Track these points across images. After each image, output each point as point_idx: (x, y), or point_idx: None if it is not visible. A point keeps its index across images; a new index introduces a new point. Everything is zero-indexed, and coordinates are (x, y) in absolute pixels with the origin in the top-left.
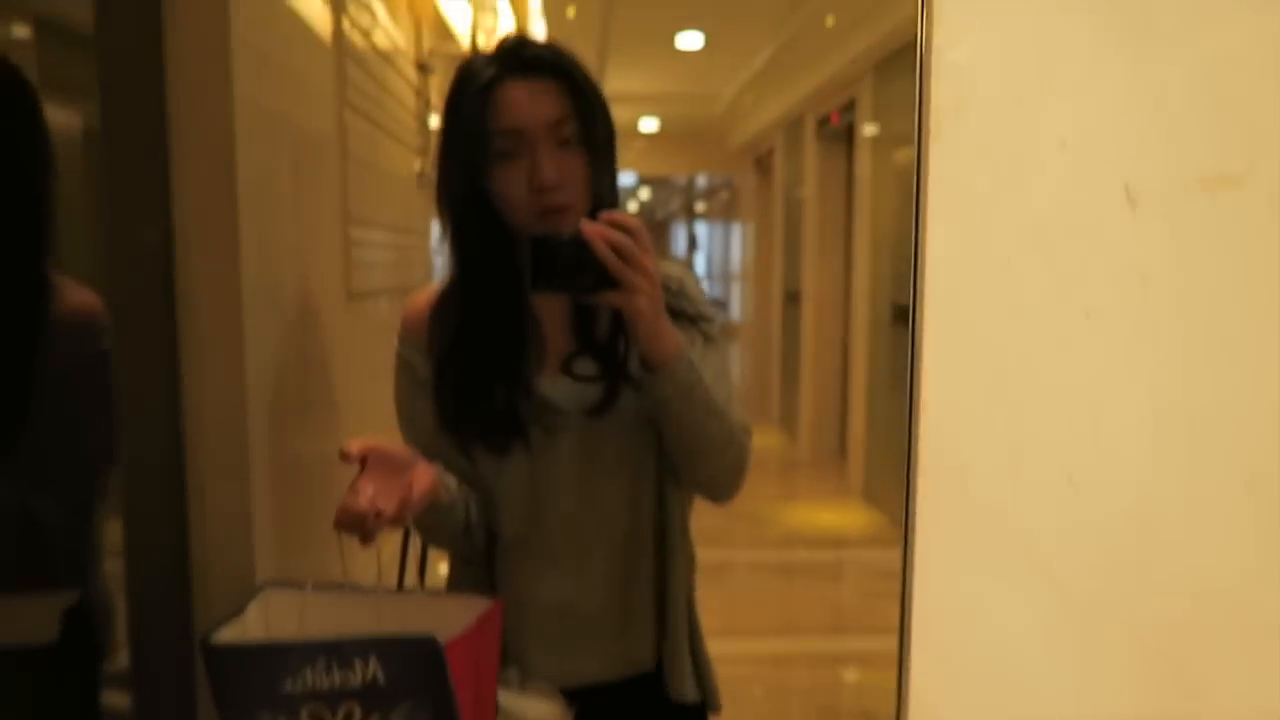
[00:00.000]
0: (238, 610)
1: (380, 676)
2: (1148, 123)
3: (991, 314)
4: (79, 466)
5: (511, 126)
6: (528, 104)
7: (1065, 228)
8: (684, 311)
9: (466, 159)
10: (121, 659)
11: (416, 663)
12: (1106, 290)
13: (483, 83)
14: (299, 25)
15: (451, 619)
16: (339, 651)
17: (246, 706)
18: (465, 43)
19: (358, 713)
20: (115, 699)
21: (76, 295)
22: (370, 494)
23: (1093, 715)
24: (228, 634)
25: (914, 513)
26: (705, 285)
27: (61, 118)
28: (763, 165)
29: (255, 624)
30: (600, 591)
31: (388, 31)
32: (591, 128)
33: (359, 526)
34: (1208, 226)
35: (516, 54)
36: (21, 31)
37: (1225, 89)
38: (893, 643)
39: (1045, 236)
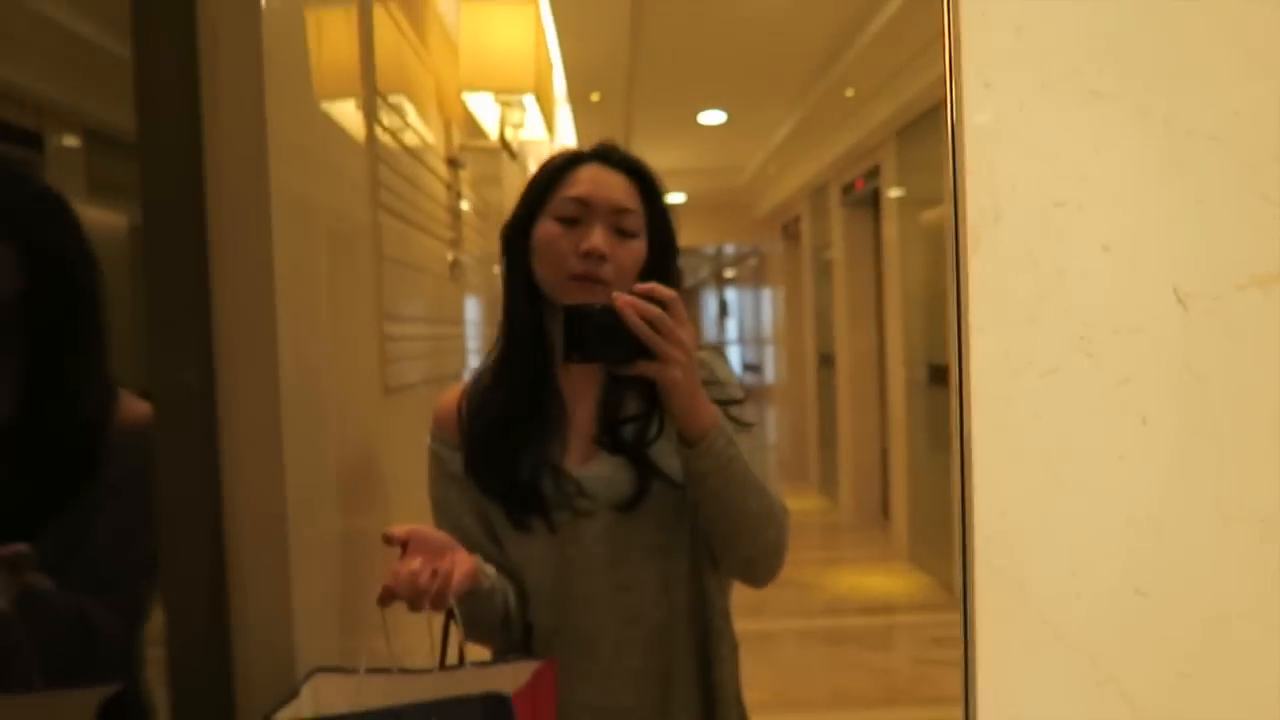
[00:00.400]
0: (292, 694)
1: None
2: (1193, 222)
3: (1043, 423)
4: (132, 572)
5: (578, 196)
6: (599, 182)
7: (1114, 332)
8: (714, 398)
9: (529, 211)
10: None
11: None
12: (1162, 393)
13: (566, 160)
14: (333, 127)
15: (505, 684)
16: (401, 718)
17: None
18: (494, 136)
19: None
20: None
21: (132, 405)
22: (415, 565)
23: None
24: (286, 714)
25: (973, 629)
26: (737, 351)
27: (110, 220)
28: (790, 232)
29: (308, 706)
30: (638, 686)
31: (418, 130)
32: (654, 229)
33: (407, 594)
34: (1263, 323)
35: (604, 148)
36: (71, 141)
37: (1269, 185)
38: (946, 713)
39: (1094, 342)
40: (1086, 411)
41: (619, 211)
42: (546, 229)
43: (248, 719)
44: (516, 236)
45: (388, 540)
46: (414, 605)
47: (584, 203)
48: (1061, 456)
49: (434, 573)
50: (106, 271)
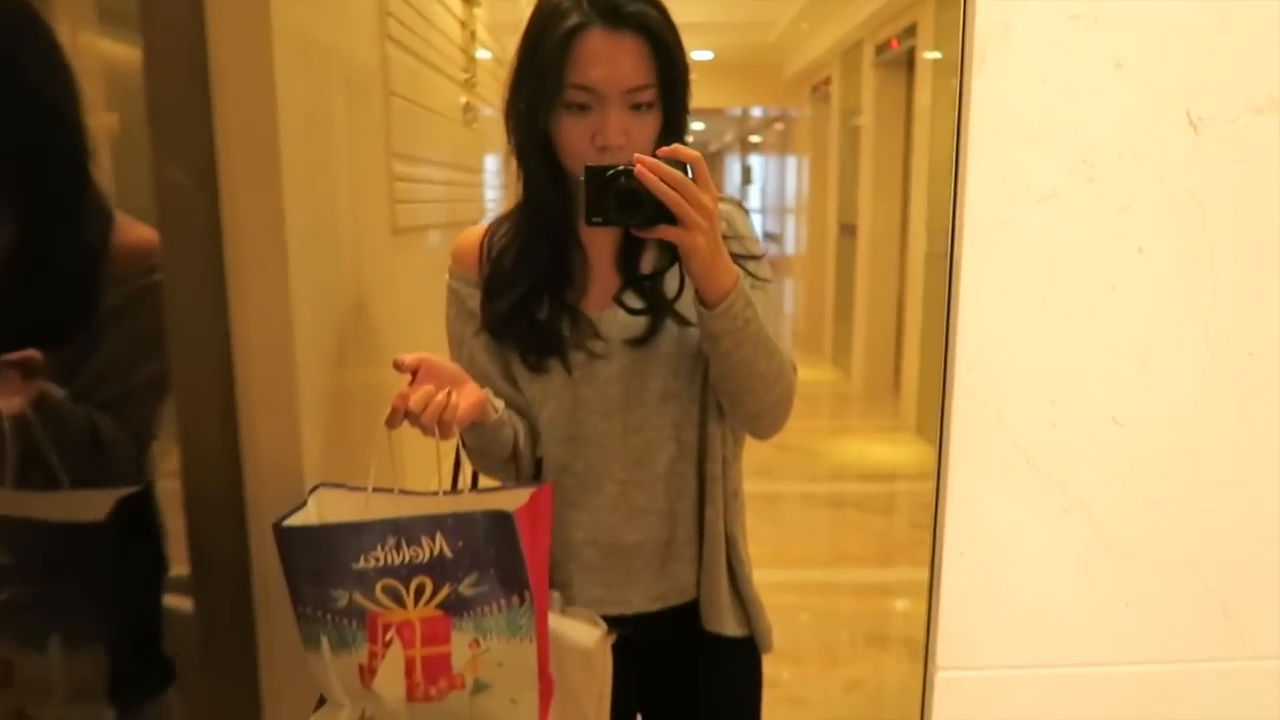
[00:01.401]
0: (299, 505)
1: (447, 551)
2: (1214, 39)
3: (1036, 249)
4: (137, 392)
5: (588, 84)
6: (609, 63)
7: (1119, 156)
8: (732, 252)
9: (535, 101)
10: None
11: (482, 535)
12: (1162, 222)
13: (568, 27)
14: None
15: (505, 505)
16: (406, 530)
17: (321, 584)
18: None
19: (430, 586)
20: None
21: (136, 229)
22: (426, 388)
23: (1133, 656)
24: (295, 520)
25: (947, 451)
26: (759, 219)
27: (122, 51)
28: (819, 94)
29: (314, 516)
30: (642, 523)
31: None
32: (668, 94)
33: (415, 414)
34: (1274, 151)
35: (608, 2)
36: None
37: None
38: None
39: (1097, 166)
40: (1082, 239)
41: (632, 91)
42: (557, 119)
43: (257, 530)
44: (524, 122)
45: (398, 366)
46: (422, 426)
47: (594, 90)
48: (1051, 284)
49: (445, 394)
50: (121, 106)
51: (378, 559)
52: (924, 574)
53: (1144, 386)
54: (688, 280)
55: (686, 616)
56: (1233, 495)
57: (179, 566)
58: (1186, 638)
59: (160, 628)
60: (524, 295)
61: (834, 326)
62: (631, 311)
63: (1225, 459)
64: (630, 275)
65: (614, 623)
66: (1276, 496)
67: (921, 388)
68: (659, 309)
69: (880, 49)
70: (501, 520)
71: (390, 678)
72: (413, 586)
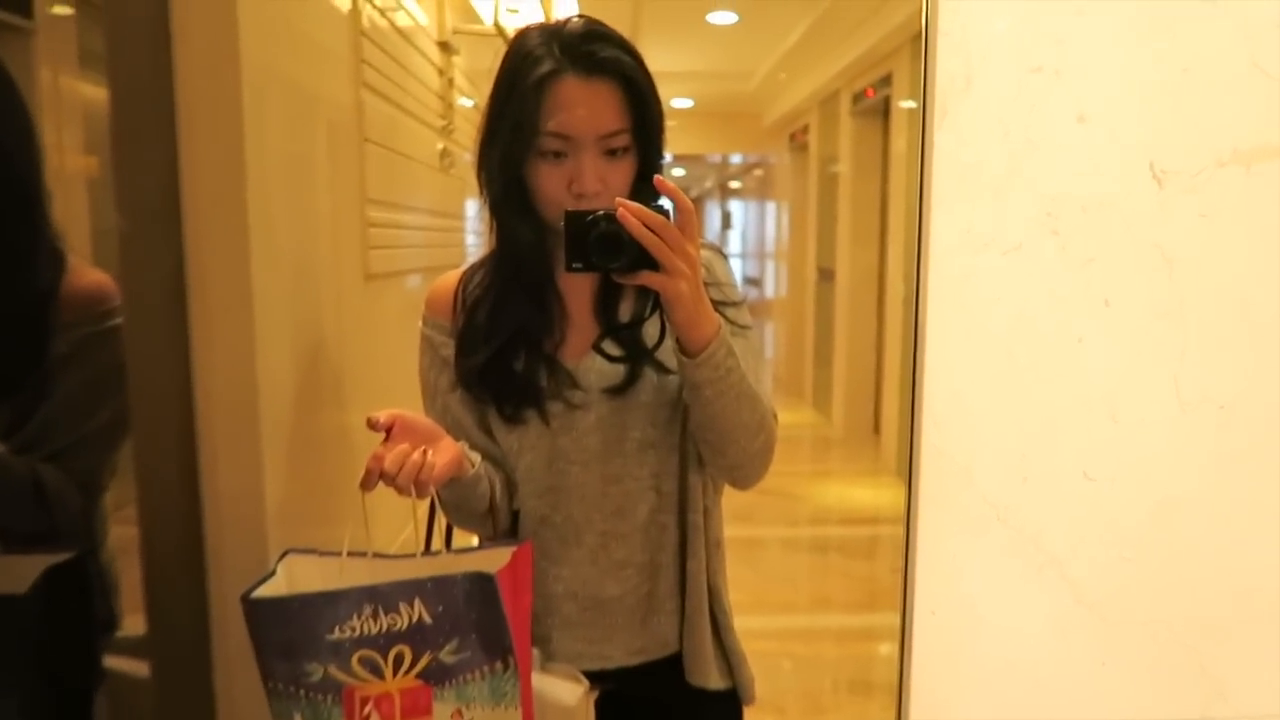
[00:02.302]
0: (268, 574)
1: (427, 617)
2: (1177, 92)
3: (1002, 303)
4: (87, 442)
5: (562, 131)
6: (584, 110)
7: (1083, 210)
8: (712, 299)
9: (510, 150)
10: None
11: (463, 599)
12: (1128, 275)
13: (540, 75)
14: (314, 8)
15: (485, 566)
16: (383, 597)
17: (293, 658)
18: (489, 22)
19: (409, 654)
20: (132, 666)
21: (88, 274)
22: (401, 447)
23: (1111, 716)
24: (264, 591)
25: (916, 508)
26: (739, 264)
27: (100, 94)
28: (797, 142)
29: (284, 585)
30: (623, 576)
31: (408, 10)
32: (643, 139)
33: (391, 475)
34: (1240, 203)
35: (581, 48)
36: (62, 9)
37: (1264, 52)
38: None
39: (1061, 219)
40: (1048, 292)
41: (607, 136)
42: (532, 167)
43: (219, 598)
44: (498, 170)
45: (371, 425)
46: (398, 487)
47: (569, 137)
48: (1018, 338)
49: (421, 453)
50: (100, 150)
51: (353, 629)
52: None
53: (1115, 440)
54: (668, 328)
55: (668, 670)
56: (1207, 551)
57: (133, 619)
58: (1165, 697)
59: (91, 703)
60: (500, 348)
61: (814, 370)
62: (610, 359)
63: (1198, 514)
64: (609, 323)
65: (595, 678)
66: (1251, 551)
67: (901, 432)
68: (638, 357)
69: (857, 98)
70: (483, 582)
71: None
72: (391, 656)
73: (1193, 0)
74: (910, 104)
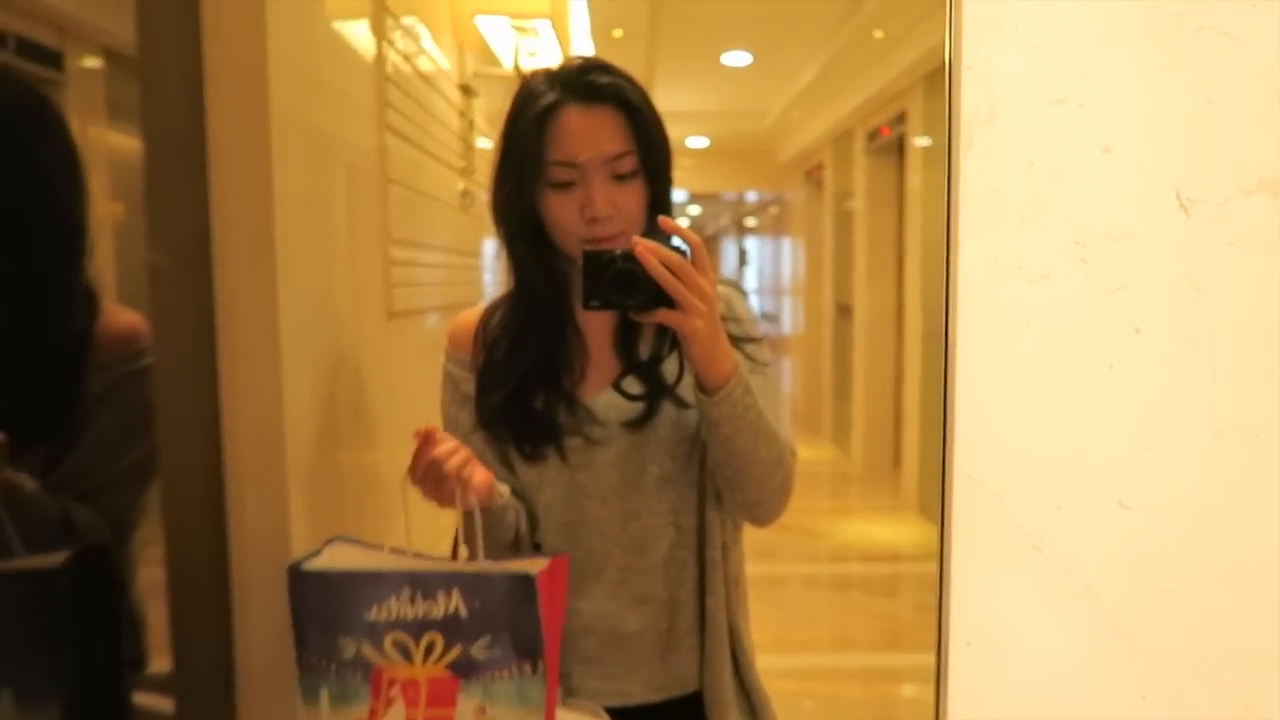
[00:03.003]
0: (315, 551)
1: (462, 610)
2: (1201, 123)
3: (1031, 331)
4: (118, 481)
5: (568, 159)
6: (587, 135)
7: (1111, 238)
8: (731, 335)
9: (520, 183)
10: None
11: (500, 597)
12: (1157, 302)
13: (542, 107)
14: (340, 47)
15: (525, 569)
16: (423, 583)
17: (330, 632)
18: (508, 65)
19: (440, 643)
20: (159, 703)
21: (121, 315)
22: (448, 446)
23: None
24: (312, 564)
25: (949, 538)
26: (756, 300)
27: (129, 143)
28: (812, 179)
29: (327, 565)
30: (642, 612)
31: (430, 55)
32: (650, 162)
33: (436, 472)
34: (1267, 232)
35: (580, 80)
36: (92, 62)
37: None
38: None
39: (1089, 248)
40: (1077, 320)
41: (612, 159)
42: (544, 198)
43: (244, 635)
44: (511, 206)
45: (417, 435)
46: (444, 475)
47: (575, 165)
48: (1048, 366)
49: (464, 460)
50: (126, 196)
51: (390, 610)
52: (931, 659)
53: (1149, 469)
54: (687, 364)
55: (688, 709)
56: (1245, 583)
57: (160, 661)
58: None
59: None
60: (518, 386)
61: (832, 405)
62: (630, 398)
63: (1235, 544)
64: (629, 359)
65: (614, 715)
66: None
67: (922, 467)
68: (657, 393)
69: (871, 135)
70: (523, 582)
71: None
72: (423, 643)
73: (1214, 33)
74: (925, 140)
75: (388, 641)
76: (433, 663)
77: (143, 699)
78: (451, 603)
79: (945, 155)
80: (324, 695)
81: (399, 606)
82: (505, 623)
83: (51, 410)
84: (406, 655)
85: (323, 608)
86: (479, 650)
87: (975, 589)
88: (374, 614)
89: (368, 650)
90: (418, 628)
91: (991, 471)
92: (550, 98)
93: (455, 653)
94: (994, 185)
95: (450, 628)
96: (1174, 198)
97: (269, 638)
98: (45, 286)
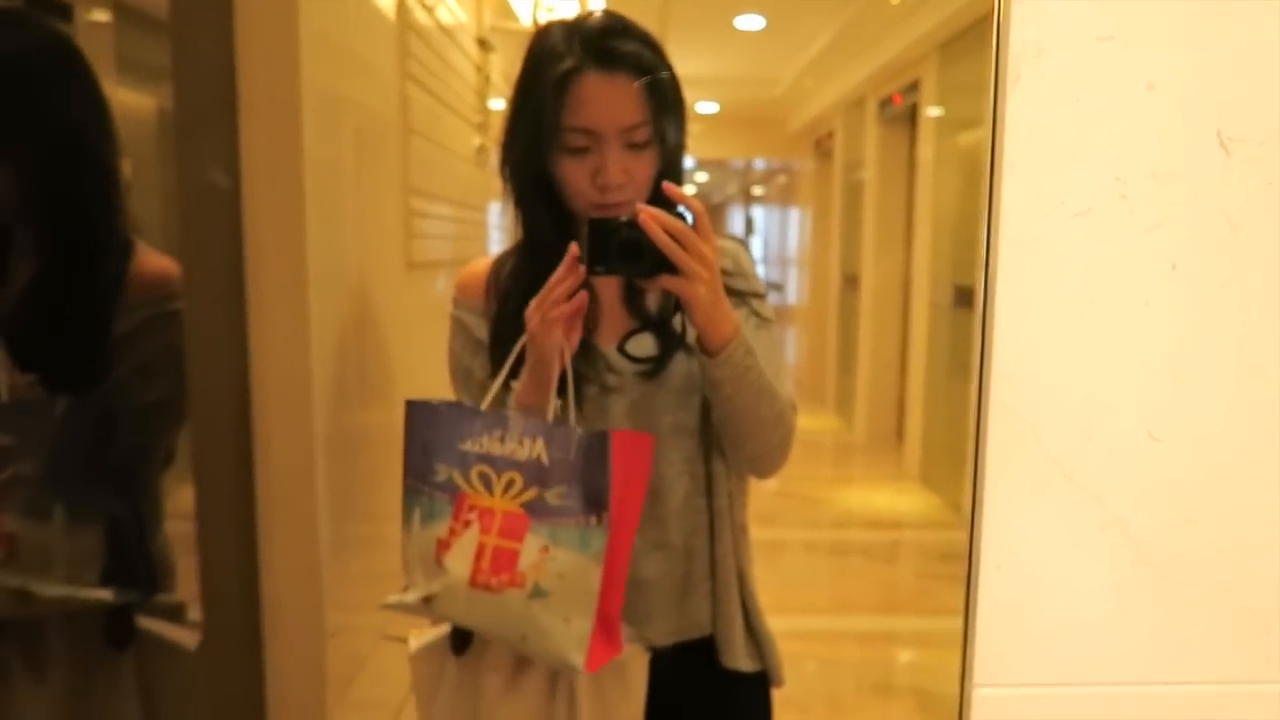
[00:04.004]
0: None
1: (544, 458)
2: (1244, 64)
3: (1069, 265)
4: (148, 415)
5: (585, 126)
6: (605, 104)
7: (1151, 175)
8: (737, 289)
9: (534, 145)
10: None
11: (577, 451)
12: (1194, 240)
13: (561, 72)
14: (364, 2)
15: None
16: (512, 427)
17: (428, 456)
18: (525, 20)
19: (519, 482)
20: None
21: (153, 259)
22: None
23: (1173, 676)
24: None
25: (983, 466)
26: (761, 269)
27: (136, 99)
28: (822, 148)
29: None
30: (659, 559)
31: (450, 7)
32: (665, 132)
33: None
34: None
35: (601, 44)
36: (101, 15)
37: None
38: (947, 623)
39: (1130, 185)
40: (1115, 255)
41: (629, 129)
42: (557, 161)
43: (271, 577)
44: (523, 166)
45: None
46: (570, 322)
47: (592, 132)
48: (1085, 300)
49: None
50: (133, 154)
51: (481, 445)
52: (930, 624)
53: (1179, 402)
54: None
55: (700, 653)
56: (1271, 515)
57: (192, 609)
58: (1227, 658)
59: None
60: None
61: (837, 376)
62: (635, 360)
63: (1262, 476)
64: (639, 316)
65: None
66: None
67: (926, 439)
68: (668, 342)
69: (883, 105)
70: (599, 439)
71: (460, 557)
72: (504, 479)
73: None
74: (937, 111)
75: (474, 472)
76: (510, 498)
77: (170, 630)
78: (535, 449)
79: (956, 126)
80: (417, 513)
81: (489, 443)
82: (579, 475)
83: (84, 353)
84: (488, 486)
85: (426, 435)
86: (553, 496)
87: (1007, 516)
88: (467, 445)
89: (456, 476)
90: (501, 464)
91: (1027, 402)
92: (570, 61)
93: (531, 494)
94: (1039, 121)
95: (530, 471)
96: (1214, 136)
97: (295, 579)
98: (82, 233)
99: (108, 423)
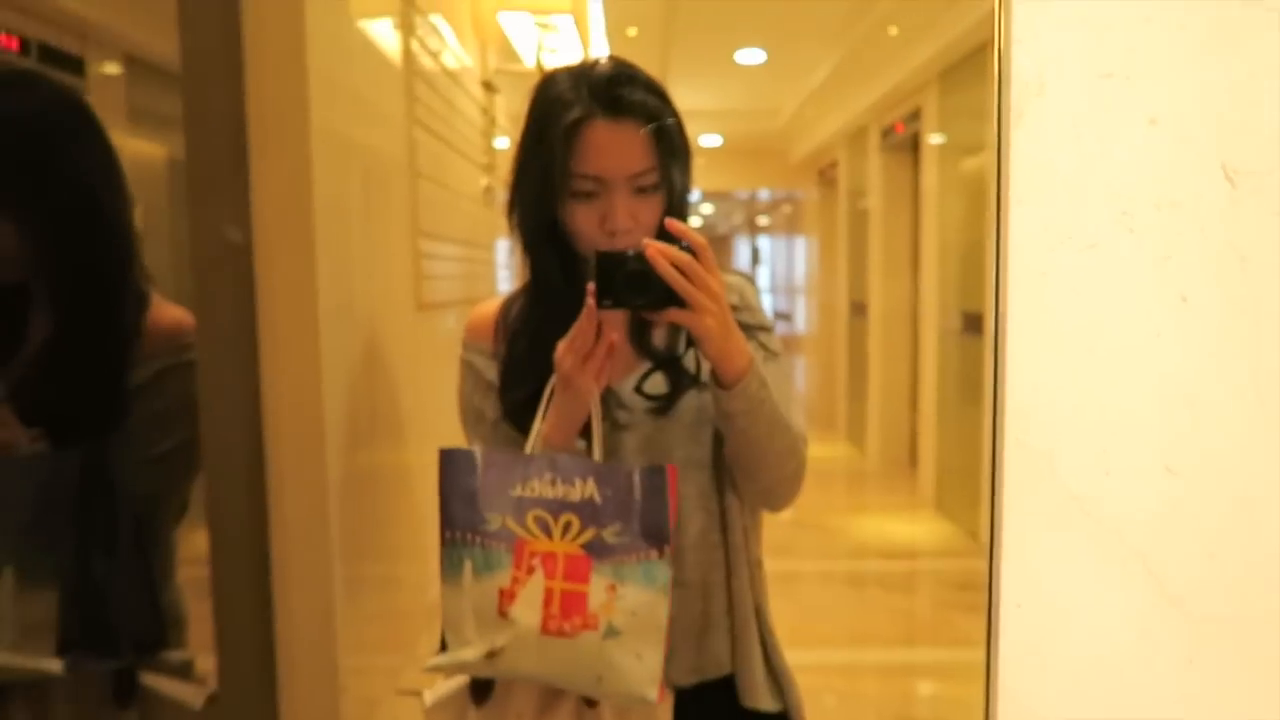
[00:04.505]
0: None
1: (597, 497)
2: (1245, 96)
3: (1080, 298)
4: (162, 465)
5: (593, 173)
6: (613, 152)
7: (1157, 208)
8: (744, 323)
9: (543, 192)
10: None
11: (633, 488)
12: (1203, 271)
13: (570, 120)
14: (370, 49)
15: None
16: (563, 469)
17: (475, 506)
18: (529, 62)
19: (576, 524)
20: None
21: (168, 310)
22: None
23: (1199, 716)
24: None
25: (1000, 502)
26: (769, 299)
27: (147, 148)
28: (826, 178)
29: None
30: (677, 596)
31: (454, 52)
32: (672, 176)
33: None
34: None
35: (609, 93)
36: (112, 68)
37: None
38: (967, 654)
39: (1136, 218)
40: (1125, 288)
41: (637, 175)
42: (565, 207)
43: (286, 622)
44: (531, 211)
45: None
46: (601, 367)
47: (600, 179)
48: (1097, 333)
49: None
50: (145, 202)
51: (534, 489)
52: (949, 655)
53: (1195, 434)
54: (702, 359)
55: (720, 693)
56: None
57: (204, 658)
58: (1253, 698)
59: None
60: (544, 381)
61: (847, 403)
62: (648, 397)
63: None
64: (647, 354)
65: None
66: None
67: (939, 465)
68: (677, 377)
69: (885, 133)
70: (656, 474)
71: (529, 604)
72: (561, 521)
73: (1260, 8)
74: (939, 138)
75: (529, 517)
76: (569, 540)
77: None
78: (588, 489)
79: (958, 152)
80: (467, 567)
81: (541, 487)
82: (636, 511)
83: (100, 404)
84: (546, 531)
85: (470, 484)
86: (610, 534)
87: (1025, 552)
88: (519, 490)
89: (512, 523)
90: (556, 507)
91: (1042, 436)
92: (577, 110)
93: (589, 534)
94: (1043, 156)
95: (585, 511)
96: (1219, 169)
97: (309, 625)
98: (98, 288)
99: (96, 478)
